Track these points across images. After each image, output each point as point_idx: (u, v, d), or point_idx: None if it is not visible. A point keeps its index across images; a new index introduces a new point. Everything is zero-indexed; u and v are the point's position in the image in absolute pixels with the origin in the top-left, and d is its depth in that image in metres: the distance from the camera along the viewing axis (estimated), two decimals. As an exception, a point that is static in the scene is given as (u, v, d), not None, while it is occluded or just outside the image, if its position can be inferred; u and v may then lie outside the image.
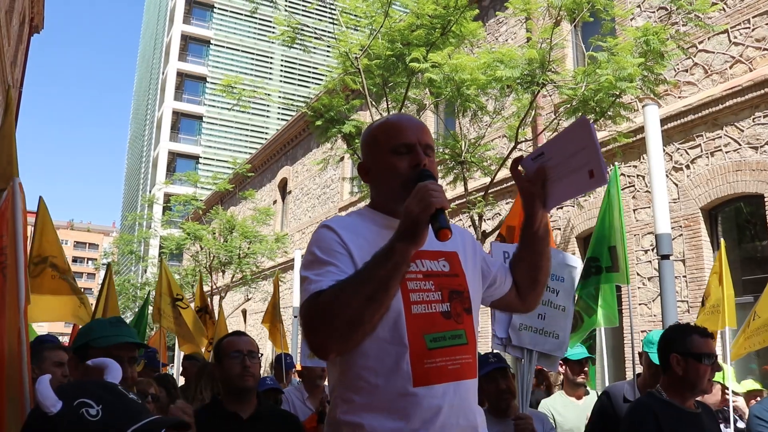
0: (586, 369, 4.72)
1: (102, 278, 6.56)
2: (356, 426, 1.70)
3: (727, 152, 9.10)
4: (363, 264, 1.64)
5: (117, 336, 2.37)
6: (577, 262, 3.98)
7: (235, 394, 2.92)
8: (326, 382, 5.16)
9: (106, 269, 5.46)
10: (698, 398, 3.07)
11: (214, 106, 54.27)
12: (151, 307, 8.84)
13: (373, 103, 9.04)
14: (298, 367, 7.50)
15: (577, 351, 4.75)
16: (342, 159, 16.69)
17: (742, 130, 8.92)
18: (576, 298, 3.86)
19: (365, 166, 1.95)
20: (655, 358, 3.35)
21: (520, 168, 1.96)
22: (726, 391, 4.30)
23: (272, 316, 9.04)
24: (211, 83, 52.71)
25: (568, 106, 7.91)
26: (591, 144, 1.82)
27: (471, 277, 1.91)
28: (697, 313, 5.79)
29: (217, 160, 50.74)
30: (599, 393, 4.04)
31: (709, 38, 9.43)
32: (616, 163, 4.72)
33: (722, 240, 5.66)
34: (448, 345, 1.75)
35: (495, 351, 3.65)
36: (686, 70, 9.78)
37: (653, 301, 9.56)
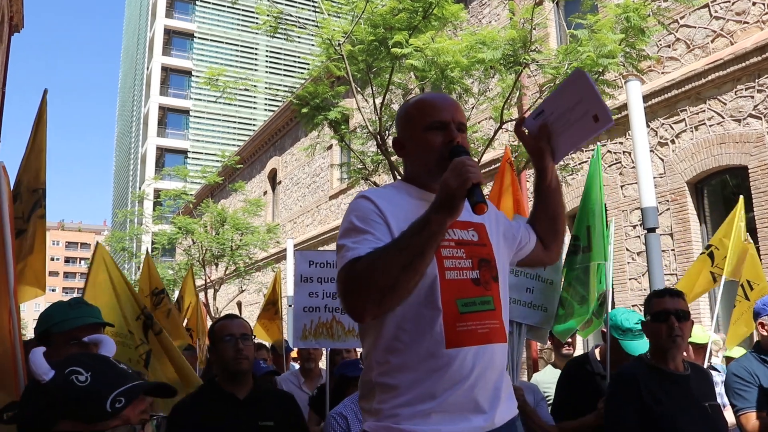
0: (569, 340, 4.80)
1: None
2: (390, 387, 1.80)
3: (710, 126, 9.18)
4: (400, 233, 1.71)
5: (79, 318, 2.34)
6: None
7: (231, 376, 2.98)
8: (322, 365, 5.21)
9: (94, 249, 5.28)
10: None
11: (200, 100, 54.06)
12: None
13: (358, 89, 9.05)
14: (294, 354, 7.54)
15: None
16: (330, 147, 16.70)
17: (725, 104, 9.00)
18: (562, 279, 3.93)
19: (400, 142, 2.05)
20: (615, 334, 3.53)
21: (523, 128, 2.09)
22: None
23: (271, 314, 8.82)
24: (197, 77, 52.47)
25: (552, 85, 7.96)
26: (590, 92, 1.95)
27: (497, 246, 2.00)
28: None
29: (206, 153, 50.58)
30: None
31: (690, 13, 9.49)
32: (599, 143, 4.88)
33: (741, 197, 5.67)
34: (478, 310, 1.86)
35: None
36: (669, 46, 9.85)
37: (643, 275, 9.66)
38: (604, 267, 3.92)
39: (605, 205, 9.94)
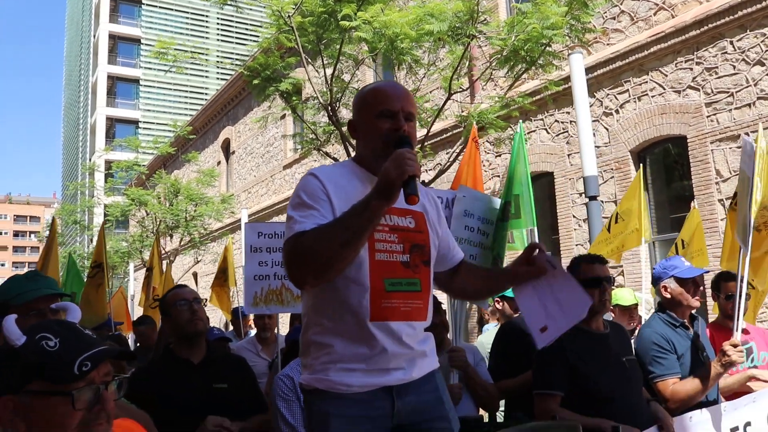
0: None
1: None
2: (325, 346, 2.03)
3: (652, 96, 9.49)
4: (342, 213, 1.91)
5: (35, 290, 2.47)
6: None
7: (187, 341, 3.11)
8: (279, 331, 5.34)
9: (50, 223, 5.51)
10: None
11: (150, 69, 52.71)
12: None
13: (309, 60, 9.07)
14: (251, 321, 7.67)
15: None
16: (283, 116, 16.66)
17: (666, 75, 9.31)
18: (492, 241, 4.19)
19: (354, 124, 2.22)
20: None
21: (536, 252, 2.26)
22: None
23: (221, 281, 9.08)
24: (146, 45, 51.26)
25: (500, 56, 8.13)
26: (567, 320, 2.23)
27: (433, 235, 2.19)
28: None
29: (158, 123, 49.60)
30: None
31: (634, -15, 9.74)
32: (521, 120, 5.47)
33: (640, 167, 6.23)
34: (404, 290, 2.06)
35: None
36: (614, 18, 10.10)
37: (589, 241, 10.00)
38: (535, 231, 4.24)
39: (553, 173, 10.17)
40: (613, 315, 4.75)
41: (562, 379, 3.00)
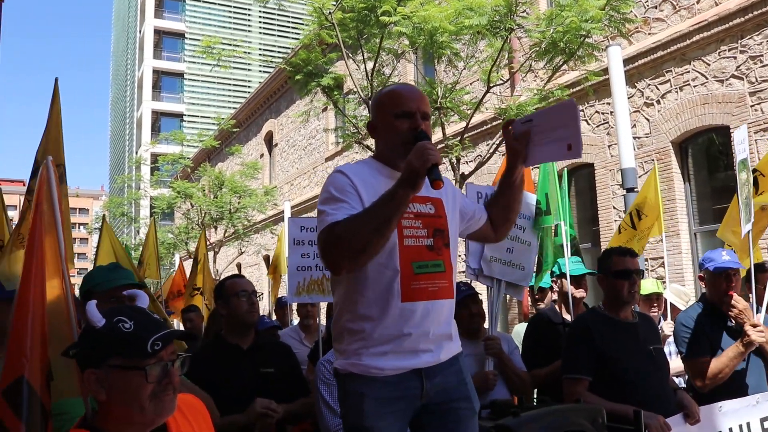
0: (538, 295, 5.21)
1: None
2: (356, 332, 2.19)
3: (695, 86, 9.40)
4: (371, 203, 2.08)
5: (115, 280, 2.74)
6: None
7: (240, 329, 3.33)
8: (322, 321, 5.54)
9: (101, 223, 5.90)
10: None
11: (194, 63, 53.60)
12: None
13: (349, 54, 9.22)
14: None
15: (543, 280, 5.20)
16: (325, 109, 16.87)
17: (709, 64, 9.21)
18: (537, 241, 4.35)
19: (373, 125, 2.39)
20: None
21: (510, 128, 2.38)
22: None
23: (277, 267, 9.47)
24: (190, 39, 52.10)
25: (538, 48, 8.17)
26: (574, 124, 2.27)
27: (451, 219, 2.34)
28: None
29: (202, 116, 50.41)
30: None
31: (676, -26, 9.63)
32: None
33: (654, 166, 6.31)
34: (430, 271, 2.22)
35: (465, 280, 4.08)
36: (655, 7, 10.01)
37: (629, 232, 9.96)
38: (562, 225, 4.39)
39: (593, 164, 10.19)
40: (638, 305, 4.84)
41: (589, 364, 3.12)
